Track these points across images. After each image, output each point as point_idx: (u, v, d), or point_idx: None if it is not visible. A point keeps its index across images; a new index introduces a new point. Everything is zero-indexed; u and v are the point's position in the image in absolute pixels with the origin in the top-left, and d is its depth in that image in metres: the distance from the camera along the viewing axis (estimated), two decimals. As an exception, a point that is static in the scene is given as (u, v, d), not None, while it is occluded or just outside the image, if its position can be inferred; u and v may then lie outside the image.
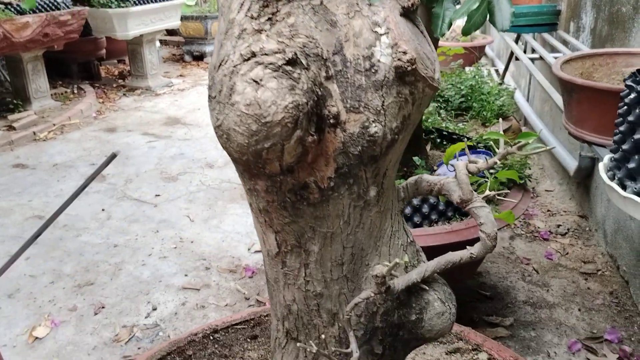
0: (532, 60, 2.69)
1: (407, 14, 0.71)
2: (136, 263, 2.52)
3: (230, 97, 0.63)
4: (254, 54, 0.64)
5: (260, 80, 0.62)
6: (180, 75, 6.15)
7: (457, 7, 1.51)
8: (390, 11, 0.69)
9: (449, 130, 2.27)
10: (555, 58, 2.54)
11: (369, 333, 0.78)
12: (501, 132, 0.77)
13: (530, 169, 1.98)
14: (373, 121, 0.68)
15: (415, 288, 0.77)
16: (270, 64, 0.62)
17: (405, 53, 0.66)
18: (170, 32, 7.57)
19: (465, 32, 1.42)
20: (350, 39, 0.68)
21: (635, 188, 0.96)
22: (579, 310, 2.04)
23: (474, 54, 4.00)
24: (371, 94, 0.67)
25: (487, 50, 5.18)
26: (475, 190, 0.76)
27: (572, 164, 2.63)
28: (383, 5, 0.69)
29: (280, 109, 0.62)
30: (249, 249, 2.61)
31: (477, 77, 2.94)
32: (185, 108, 4.96)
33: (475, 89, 2.87)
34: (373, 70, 0.67)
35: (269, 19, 0.66)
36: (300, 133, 0.64)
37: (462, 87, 2.87)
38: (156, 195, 3.23)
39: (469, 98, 2.87)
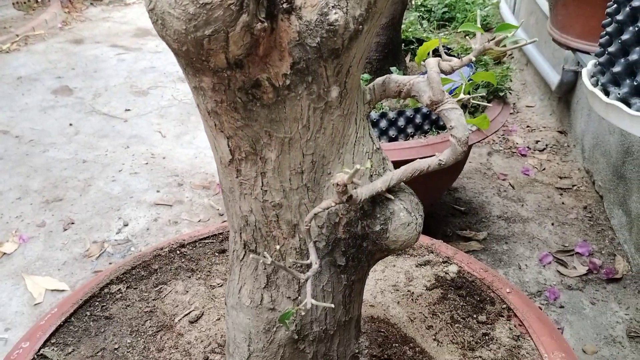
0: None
1: None
2: (106, 179, 2.45)
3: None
4: None
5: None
6: (151, -16, 5.79)
7: None
8: None
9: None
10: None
11: (330, 244, 0.74)
12: (478, 26, 0.69)
13: (511, 81, 1.90)
14: (333, 7, 0.59)
15: (380, 198, 0.72)
16: None
17: None
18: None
19: None
20: None
21: (619, 94, 0.90)
22: (552, 224, 2.05)
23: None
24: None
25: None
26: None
27: (554, 78, 2.56)
28: None
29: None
30: (222, 165, 2.55)
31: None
32: (156, 19, 4.71)
33: (459, -2, 2.73)
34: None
35: None
36: (246, 18, 0.55)
37: (446, -4, 2.73)
38: (126, 110, 3.11)
39: (453, 8, 2.73)
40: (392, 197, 0.73)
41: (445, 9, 2.72)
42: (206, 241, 1.38)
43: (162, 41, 3.28)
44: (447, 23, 2.71)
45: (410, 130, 1.67)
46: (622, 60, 0.90)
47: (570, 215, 2.09)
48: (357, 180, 0.66)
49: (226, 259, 1.32)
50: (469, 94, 0.78)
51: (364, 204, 0.73)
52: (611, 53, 0.92)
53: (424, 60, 0.82)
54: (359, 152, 0.73)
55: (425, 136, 1.68)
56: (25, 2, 4.73)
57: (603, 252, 1.90)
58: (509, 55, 3.62)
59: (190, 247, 1.35)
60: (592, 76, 1.02)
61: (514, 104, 2.98)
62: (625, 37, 0.88)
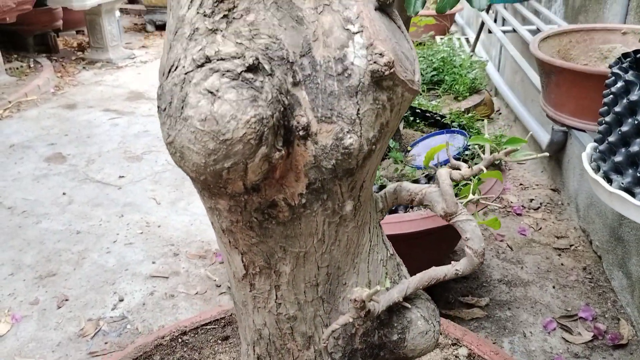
0: (504, 32, 2.62)
1: (383, 7, 0.63)
2: (101, 250, 2.42)
3: (182, 110, 0.54)
4: (208, 59, 0.55)
5: (217, 91, 0.53)
6: (143, 47, 5.91)
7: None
8: (364, 5, 0.60)
9: (422, 108, 2.21)
10: (529, 31, 2.48)
11: (347, 355, 0.72)
12: (486, 137, 0.71)
13: (505, 147, 1.93)
14: (348, 132, 0.60)
15: (396, 306, 0.71)
16: (228, 71, 0.54)
17: (382, 55, 0.58)
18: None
19: (440, 10, 1.34)
20: (319, 38, 0.60)
21: (622, 183, 0.92)
22: (553, 287, 2.04)
23: (445, 24, 3.92)
24: (345, 102, 0.59)
25: (457, 18, 5.10)
26: (457, 195, 0.70)
27: (544, 138, 2.61)
28: (356, -1, 0.61)
29: (241, 125, 0.53)
30: (218, 233, 2.53)
31: (449, 48, 2.87)
32: (149, 81, 4.77)
33: (447, 62, 2.80)
34: (346, 75, 0.59)
35: (225, 16, 0.57)
36: (265, 150, 0.56)
37: (434, 60, 2.79)
38: (120, 177, 3.11)
39: (441, 71, 2.80)
40: (409, 306, 0.72)
41: (434, 72, 2.79)
42: (208, 327, 1.35)
43: (154, 104, 3.30)
44: (435, 86, 2.77)
45: (409, 201, 1.68)
46: (623, 150, 0.92)
47: (570, 277, 2.08)
48: (375, 297, 0.65)
49: (229, 346, 1.29)
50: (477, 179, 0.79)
51: (381, 314, 0.72)
52: (611, 143, 0.94)
53: (430, 165, 0.83)
54: (373, 261, 0.72)
55: (425, 207, 1.69)
56: (18, 68, 4.78)
57: (606, 315, 1.88)
58: (497, 111, 3.70)
59: (192, 335, 1.32)
60: (592, 160, 1.04)
61: (505, 161, 3.01)
62: (624, 128, 0.90)
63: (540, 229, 2.41)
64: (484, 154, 1.71)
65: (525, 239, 2.34)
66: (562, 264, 2.16)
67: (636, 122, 0.88)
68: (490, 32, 2.79)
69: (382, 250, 0.73)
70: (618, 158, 0.93)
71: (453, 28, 5.03)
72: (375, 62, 0.58)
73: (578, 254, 2.21)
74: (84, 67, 5.19)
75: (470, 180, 0.76)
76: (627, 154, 0.91)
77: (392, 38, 0.61)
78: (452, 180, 0.68)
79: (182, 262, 2.33)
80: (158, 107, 0.58)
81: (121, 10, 7.08)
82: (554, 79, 1.30)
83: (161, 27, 6.50)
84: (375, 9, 0.61)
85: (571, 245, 2.27)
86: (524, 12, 2.83)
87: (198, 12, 0.57)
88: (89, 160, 3.31)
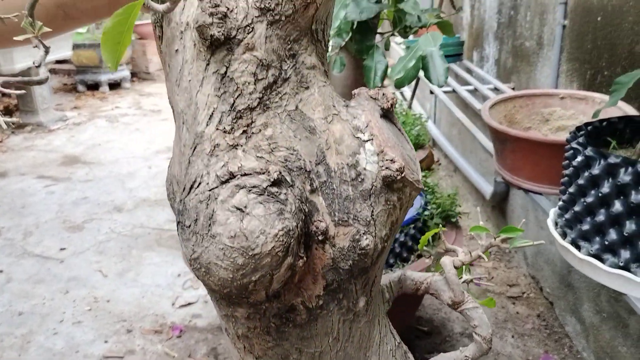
0: (445, 92, 2.77)
1: (387, 114, 0.66)
2: (47, 332, 2.27)
3: (210, 227, 0.55)
4: (232, 175, 0.56)
5: (245, 207, 0.54)
6: (75, 108, 5.76)
7: (387, 59, 1.51)
8: (371, 114, 0.63)
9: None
10: (467, 91, 2.63)
11: None
12: (482, 225, 0.75)
13: (460, 205, 2.02)
14: (364, 233, 0.62)
15: (408, 396, 0.73)
16: (254, 187, 0.55)
17: (393, 161, 0.61)
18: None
19: (399, 85, 1.41)
20: (331, 146, 0.62)
21: (591, 250, 0.98)
22: (512, 337, 2.11)
23: (382, 80, 4.08)
24: (360, 205, 0.62)
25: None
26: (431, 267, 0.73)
27: (487, 189, 2.74)
28: (362, 108, 0.64)
29: (269, 238, 0.54)
30: (173, 304, 2.44)
31: (399, 108, 2.99)
32: (83, 144, 4.64)
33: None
34: (359, 180, 0.62)
35: (244, 131, 0.59)
36: (290, 259, 0.57)
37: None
38: (61, 249, 2.96)
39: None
40: (420, 394, 0.73)
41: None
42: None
43: (91, 168, 3.19)
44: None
45: (391, 260, 1.70)
46: (589, 219, 0.99)
47: (527, 325, 2.16)
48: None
49: None
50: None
51: (394, 405, 0.72)
52: (577, 212, 1.01)
53: (425, 247, 0.86)
54: (384, 352, 0.73)
55: (405, 264, 1.71)
56: (-61, 136, 4.52)
57: (564, 361, 1.96)
58: (437, 162, 3.86)
59: None
60: (558, 226, 1.11)
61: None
62: (589, 199, 0.98)
63: (493, 277, 2.50)
64: (439, 215, 1.76)
65: (480, 289, 2.41)
66: (517, 312, 2.24)
67: (600, 194, 0.95)
68: (431, 92, 2.94)
69: (390, 340, 0.74)
70: (585, 227, 1.00)
71: (386, 82, 5.26)
72: (387, 168, 0.61)
73: (531, 301, 2.31)
74: (12, 132, 4.97)
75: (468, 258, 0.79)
76: (593, 223, 0.98)
77: (399, 143, 0.65)
78: (454, 267, 0.71)
79: (137, 339, 2.22)
80: (180, 222, 0.58)
81: (50, 70, 6.89)
82: (509, 146, 1.39)
83: (93, 87, 6.37)
84: (381, 116, 0.65)
85: (523, 293, 2.36)
86: (458, 70, 3.01)
87: (217, 129, 0.58)
88: (26, 233, 3.14)
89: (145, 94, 6.35)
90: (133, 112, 5.64)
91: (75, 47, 5.72)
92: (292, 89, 0.62)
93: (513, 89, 2.45)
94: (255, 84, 0.59)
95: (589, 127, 1.11)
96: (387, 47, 1.57)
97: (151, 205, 3.47)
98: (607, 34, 1.70)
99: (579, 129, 1.10)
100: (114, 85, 6.46)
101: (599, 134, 1.12)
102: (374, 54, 1.45)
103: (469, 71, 3.04)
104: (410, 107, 3.81)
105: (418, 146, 2.85)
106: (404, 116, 3.02)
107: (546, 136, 1.46)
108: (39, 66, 0.51)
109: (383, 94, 0.65)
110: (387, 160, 0.61)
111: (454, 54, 2.94)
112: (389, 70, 1.41)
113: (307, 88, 0.63)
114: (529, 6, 2.32)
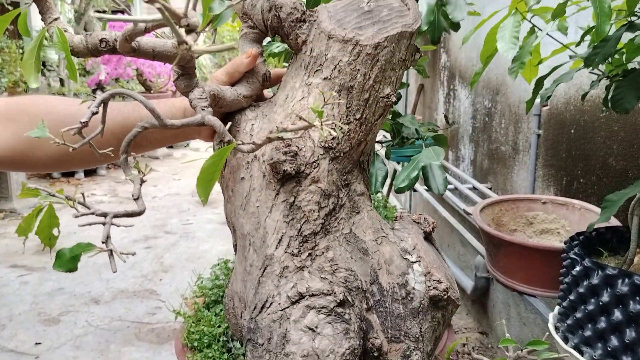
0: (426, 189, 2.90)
1: (427, 236, 0.74)
2: None
3: (284, 346, 0.60)
4: (301, 295, 0.62)
5: (316, 327, 0.60)
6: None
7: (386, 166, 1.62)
8: (416, 237, 0.71)
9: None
10: (449, 190, 2.77)
11: None
12: (510, 337, 0.81)
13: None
14: (414, 349, 0.68)
15: None
16: (323, 307, 0.61)
17: (440, 282, 0.68)
18: (35, 145, 7.08)
19: (400, 191, 1.51)
20: (382, 266, 0.69)
21: (595, 356, 1.05)
22: None
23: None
24: (409, 322, 0.68)
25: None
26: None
27: (467, 283, 2.81)
28: (408, 231, 0.72)
29: (338, 357, 0.59)
30: (156, 403, 2.36)
31: (375, 202, 3.10)
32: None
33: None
34: (409, 298, 0.68)
35: (309, 254, 0.65)
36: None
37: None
38: (36, 344, 2.85)
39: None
40: None
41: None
42: None
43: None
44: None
45: None
46: (590, 326, 1.06)
47: None
48: None
49: None
50: None
51: None
52: (579, 319, 1.08)
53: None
54: None
55: None
56: None
57: None
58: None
59: None
60: (559, 331, 1.17)
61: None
62: (590, 307, 1.06)
63: (478, 374, 2.51)
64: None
65: (466, 387, 2.42)
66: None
67: (600, 302, 1.04)
68: (415, 190, 3.08)
69: None
70: (587, 332, 1.07)
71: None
72: (435, 289, 0.68)
73: (518, 399, 2.32)
74: (-16, 218, 4.88)
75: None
76: (595, 329, 1.05)
77: (440, 264, 0.72)
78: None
79: None
80: (251, 340, 0.63)
81: (24, 156, 6.86)
82: (503, 250, 1.48)
83: (67, 174, 6.36)
84: (424, 238, 0.73)
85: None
86: (436, 170, 3.17)
87: (286, 252, 0.65)
88: (-2, 326, 3.02)
89: (121, 181, 6.36)
90: (109, 199, 5.63)
91: (55, 134, 5.75)
92: (346, 214, 0.70)
93: (490, 188, 2.61)
94: (319, 211, 0.67)
95: (581, 237, 1.21)
96: (387, 155, 1.68)
97: (129, 296, 3.41)
98: (581, 145, 1.86)
99: (572, 238, 1.20)
100: (90, 172, 6.47)
101: (590, 243, 1.22)
102: (375, 161, 1.56)
103: (445, 169, 3.21)
104: (387, 200, 3.95)
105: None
106: (385, 209, 3.13)
107: (539, 243, 1.57)
108: (137, 199, 0.57)
109: (425, 219, 0.74)
110: (434, 280, 0.68)
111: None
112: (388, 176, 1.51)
113: (358, 212, 0.71)
114: (504, 114, 2.52)
